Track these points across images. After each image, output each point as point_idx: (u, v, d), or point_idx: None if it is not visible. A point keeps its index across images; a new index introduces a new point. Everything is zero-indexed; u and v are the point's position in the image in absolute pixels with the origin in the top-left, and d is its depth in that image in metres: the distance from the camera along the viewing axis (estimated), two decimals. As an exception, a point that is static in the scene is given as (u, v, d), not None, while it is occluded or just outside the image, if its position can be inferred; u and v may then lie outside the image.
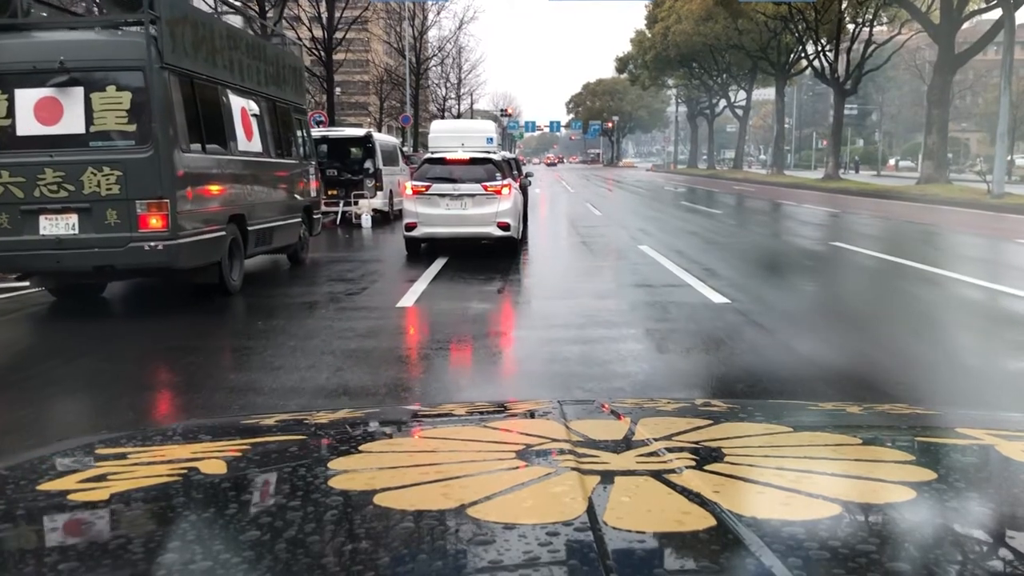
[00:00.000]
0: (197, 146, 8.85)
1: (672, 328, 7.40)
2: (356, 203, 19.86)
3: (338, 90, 65.76)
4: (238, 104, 10.10)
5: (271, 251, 11.48)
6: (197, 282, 9.23)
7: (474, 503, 0.82)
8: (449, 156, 13.28)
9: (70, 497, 0.92)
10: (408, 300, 8.94)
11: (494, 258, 12.74)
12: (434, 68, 58.43)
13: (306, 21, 32.86)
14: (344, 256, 14.36)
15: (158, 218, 8.09)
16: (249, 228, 10.11)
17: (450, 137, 14.15)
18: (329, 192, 20.06)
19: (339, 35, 33.21)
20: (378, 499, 0.85)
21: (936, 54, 30.91)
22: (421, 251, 13.36)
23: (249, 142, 10.38)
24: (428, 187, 12.81)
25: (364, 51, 63.11)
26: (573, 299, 9.00)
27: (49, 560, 0.76)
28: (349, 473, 0.96)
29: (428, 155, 13.90)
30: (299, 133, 12.73)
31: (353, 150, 20.56)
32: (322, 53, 30.65)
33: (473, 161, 13.17)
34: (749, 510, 0.80)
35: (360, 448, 1.12)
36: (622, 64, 77.09)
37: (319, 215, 13.48)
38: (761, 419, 1.30)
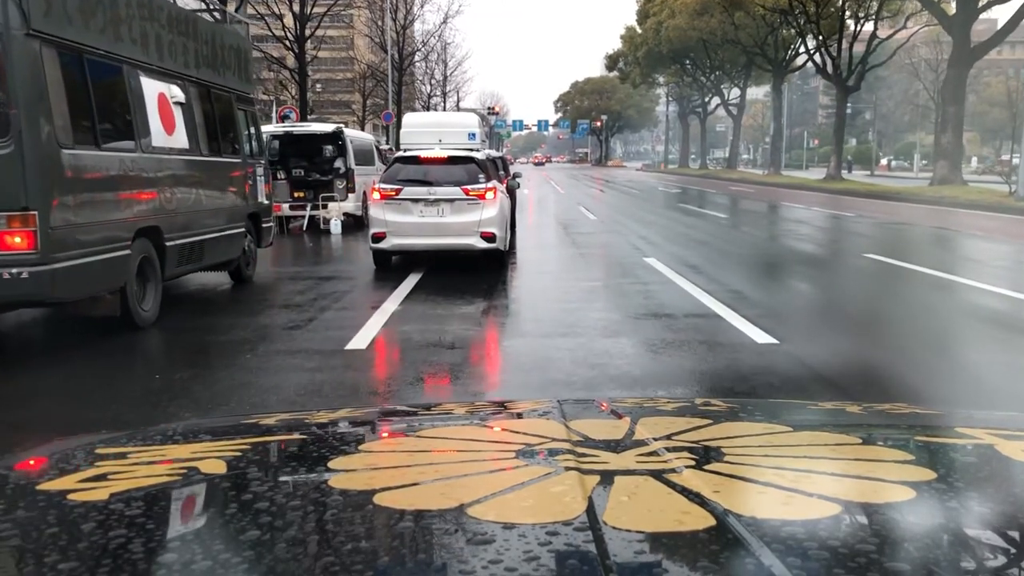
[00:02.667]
0: (87, 141, 6.83)
1: (715, 388, 5.44)
2: (325, 207, 17.81)
3: (319, 87, 63.74)
4: (154, 89, 8.06)
5: (204, 269, 9.45)
6: (94, 315, 7.23)
7: (473, 503, 0.81)
8: (424, 154, 11.29)
9: (70, 497, 0.91)
10: (364, 338, 6.95)
11: (477, 273, 10.77)
12: (419, 64, 56.44)
13: (281, 14, 30.69)
14: (302, 271, 12.34)
15: (22, 236, 6.05)
16: (168, 243, 8.09)
17: (425, 132, 12.15)
18: (295, 194, 18.08)
19: (317, 28, 31.14)
20: (378, 499, 0.84)
21: (933, 51, 29.34)
22: (392, 264, 11.39)
23: (170, 136, 8.35)
24: (398, 191, 10.82)
25: (347, 48, 61.10)
26: (575, 336, 7.03)
27: (49, 560, 0.75)
28: (349, 473, 0.97)
29: (400, 153, 11.90)
30: (243, 126, 10.69)
31: (322, 148, 18.50)
32: (294, 46, 28.48)
33: (452, 160, 11.19)
34: (749, 510, 0.79)
35: (360, 448, 1.15)
36: (612, 62, 75.15)
37: (270, 223, 11.45)
38: (761, 419, 1.28)
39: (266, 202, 11.31)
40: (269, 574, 0.70)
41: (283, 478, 0.99)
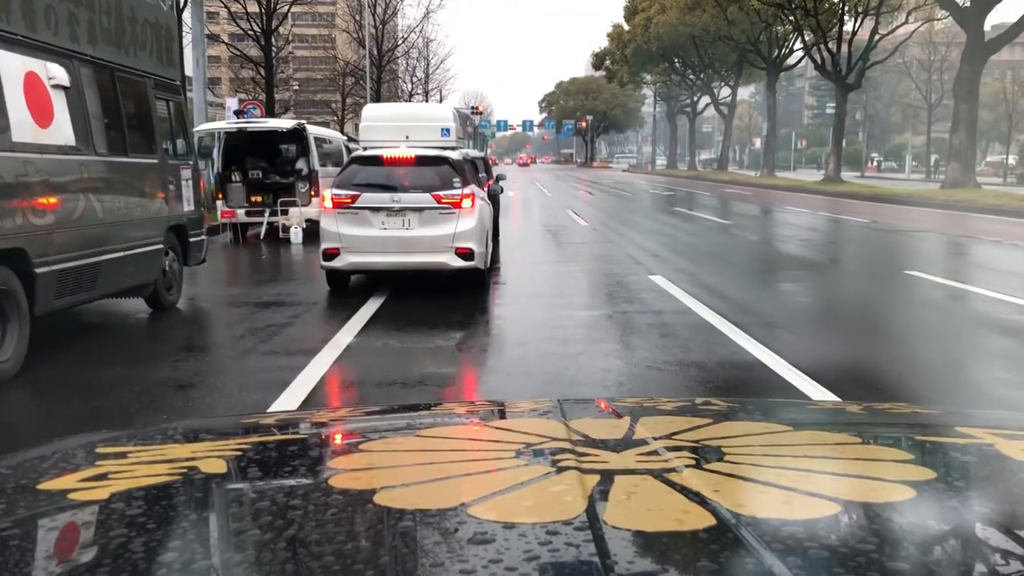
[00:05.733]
0: None
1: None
2: (285, 212, 15.84)
3: (296, 86, 61.63)
4: (18, 68, 6.07)
5: (102, 297, 7.49)
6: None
7: (474, 502, 0.81)
8: (387, 154, 9.35)
9: (70, 496, 0.91)
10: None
11: (452, 296, 8.90)
12: (400, 61, 54.41)
13: (250, 13, 28.40)
14: (241, 293, 10.35)
15: None
16: (40, 270, 6.13)
17: (389, 127, 10.15)
18: (252, 199, 16.12)
19: (284, 20, 29.09)
20: (378, 498, 0.84)
21: (926, 51, 27.50)
22: (350, 285, 9.49)
23: (45, 130, 6.36)
24: (355, 197, 8.89)
25: (328, 48, 59.15)
26: (577, 402, 5.11)
27: (49, 559, 0.75)
28: (349, 472, 0.97)
29: (357, 152, 9.96)
30: (164, 120, 8.72)
31: (282, 147, 16.55)
32: (260, 38, 26.30)
33: (421, 161, 9.25)
34: (749, 509, 0.79)
35: (360, 447, 1.14)
36: (599, 60, 73.10)
37: (201, 236, 9.45)
38: (761, 418, 1.28)
39: (196, 211, 9.32)
40: (270, 574, 0.69)
41: (283, 478, 0.97)
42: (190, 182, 9.16)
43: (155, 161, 8.32)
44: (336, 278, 9.32)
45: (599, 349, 6.60)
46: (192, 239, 9.15)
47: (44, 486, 0.96)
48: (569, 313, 8.20)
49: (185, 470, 0.99)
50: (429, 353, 6.67)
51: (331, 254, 8.91)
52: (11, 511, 0.90)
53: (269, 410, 4.86)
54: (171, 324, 8.04)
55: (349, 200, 8.84)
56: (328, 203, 8.99)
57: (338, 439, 1.22)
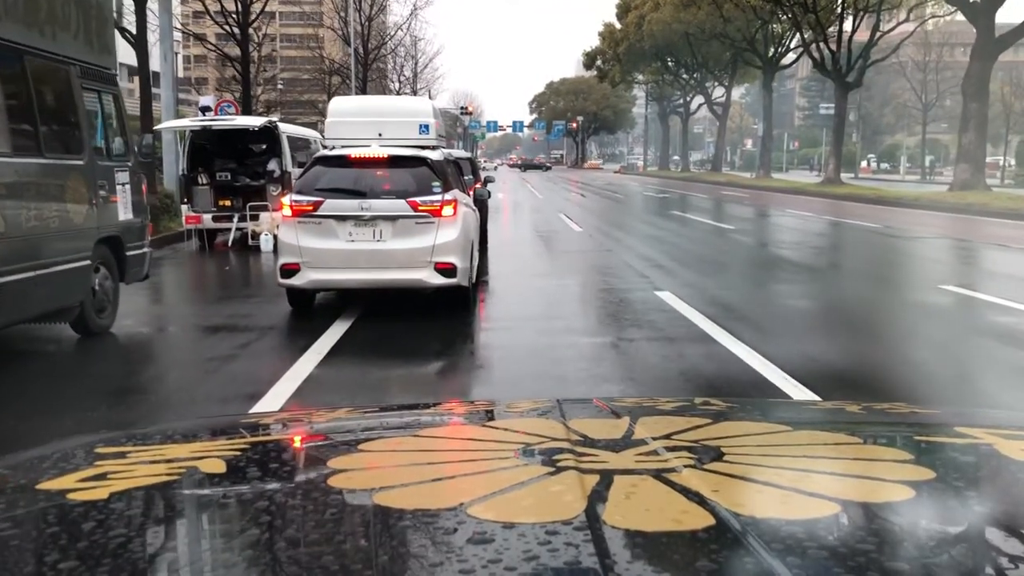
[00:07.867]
0: None
1: None
2: (255, 218, 14.58)
3: (281, 86, 60.34)
4: None
5: (10, 325, 6.25)
6: None
7: (473, 502, 0.79)
8: (355, 153, 8.12)
9: (70, 496, 0.89)
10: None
11: (431, 318, 7.76)
12: (388, 59, 53.16)
13: (227, 11, 27.02)
14: (191, 312, 9.10)
15: None
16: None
17: (359, 123, 8.88)
18: (219, 203, 14.86)
19: (261, 13, 27.80)
20: (377, 498, 0.84)
21: (921, 51, 26.45)
22: (316, 304, 8.29)
23: (-81, 122, 5.15)
24: (318, 204, 7.67)
25: (317, 47, 57.94)
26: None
27: (49, 559, 0.74)
28: (348, 472, 0.96)
29: (322, 152, 8.72)
30: (94, 114, 7.47)
31: (252, 146, 15.29)
32: (236, 31, 24.95)
33: (395, 162, 8.04)
34: (748, 509, 0.78)
35: (359, 447, 1.12)
36: (590, 59, 71.95)
37: (142, 249, 8.20)
38: (760, 418, 1.27)
39: (136, 220, 8.06)
40: (269, 574, 0.69)
41: (282, 477, 0.97)
42: (128, 186, 7.90)
43: (81, 163, 7.07)
44: (298, 297, 8.09)
45: (607, 392, 5.39)
46: (131, 252, 7.89)
47: (44, 486, 0.95)
48: (568, 340, 6.99)
49: (184, 470, 0.98)
50: (399, 394, 5.47)
51: (290, 270, 7.68)
52: (11, 511, 0.89)
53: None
54: (97, 356, 6.79)
55: (311, 207, 7.61)
56: (287, 210, 7.77)
57: (337, 439, 1.20)
